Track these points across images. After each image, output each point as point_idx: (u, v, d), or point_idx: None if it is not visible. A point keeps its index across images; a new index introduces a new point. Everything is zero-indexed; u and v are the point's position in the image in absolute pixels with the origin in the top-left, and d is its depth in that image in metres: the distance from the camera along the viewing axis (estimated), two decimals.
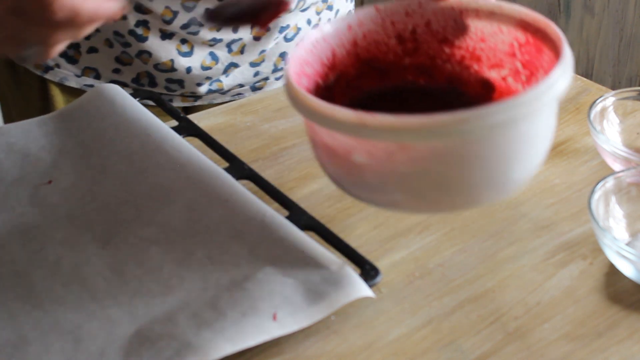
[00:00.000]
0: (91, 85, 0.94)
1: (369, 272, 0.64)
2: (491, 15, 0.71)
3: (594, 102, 0.80)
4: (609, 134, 0.81)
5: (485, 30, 0.72)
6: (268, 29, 0.84)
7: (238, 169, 0.76)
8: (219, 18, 0.63)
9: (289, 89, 0.62)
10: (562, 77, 0.59)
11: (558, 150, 0.83)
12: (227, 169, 0.75)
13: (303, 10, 0.93)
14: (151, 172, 0.74)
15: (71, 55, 0.92)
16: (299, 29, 0.96)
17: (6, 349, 0.58)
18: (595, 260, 0.69)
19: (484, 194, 0.61)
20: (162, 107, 0.87)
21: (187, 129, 0.82)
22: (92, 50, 0.92)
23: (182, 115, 0.84)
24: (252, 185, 0.74)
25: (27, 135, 0.80)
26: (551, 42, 0.66)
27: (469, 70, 0.74)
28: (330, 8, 1.00)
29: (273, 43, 0.94)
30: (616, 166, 0.77)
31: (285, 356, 0.61)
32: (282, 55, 0.96)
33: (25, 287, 0.64)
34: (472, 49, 0.74)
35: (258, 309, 0.60)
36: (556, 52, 0.64)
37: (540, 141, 0.62)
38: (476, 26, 0.72)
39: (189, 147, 0.76)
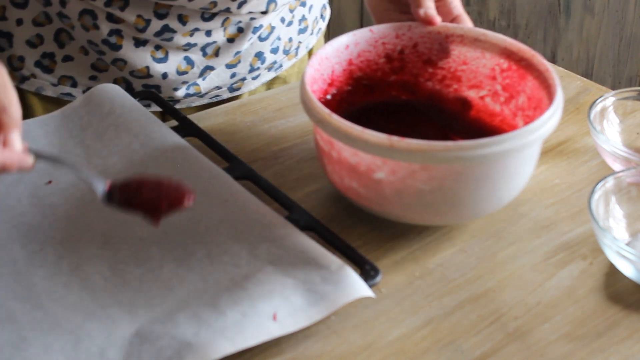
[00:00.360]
0: (68, 94, 0.93)
1: (369, 272, 0.64)
2: (475, 41, 0.78)
3: (594, 102, 0.80)
4: (609, 134, 0.81)
5: (469, 54, 0.79)
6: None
7: (238, 169, 0.76)
8: (115, 200, 0.64)
9: (313, 111, 0.68)
10: (558, 109, 0.68)
11: (558, 150, 0.83)
12: (227, 169, 0.75)
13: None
14: (151, 172, 0.74)
15: (46, 65, 0.91)
16: (272, 28, 0.95)
17: (6, 348, 0.58)
18: (595, 260, 0.69)
19: (486, 206, 0.70)
20: (163, 107, 0.87)
21: (187, 129, 0.82)
22: (68, 58, 0.91)
23: (182, 115, 0.84)
24: (252, 185, 0.74)
25: (27, 135, 0.80)
26: (536, 72, 0.73)
27: (448, 89, 0.81)
28: (303, 4, 0.99)
29: (248, 44, 0.93)
30: (616, 166, 0.77)
31: (285, 356, 0.61)
32: (258, 55, 0.96)
33: (26, 287, 0.64)
34: (454, 70, 0.80)
35: (258, 309, 0.60)
36: (541, 81, 0.72)
37: (534, 160, 0.71)
38: (460, 50, 0.79)
39: (189, 147, 0.76)
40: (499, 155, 0.64)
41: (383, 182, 0.66)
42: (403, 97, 0.81)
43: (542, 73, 0.72)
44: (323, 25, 1.05)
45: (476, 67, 0.78)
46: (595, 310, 0.64)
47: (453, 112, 0.80)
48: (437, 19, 0.77)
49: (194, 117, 0.88)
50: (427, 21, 0.77)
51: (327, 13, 1.06)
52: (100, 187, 0.64)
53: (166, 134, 0.78)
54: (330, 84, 0.77)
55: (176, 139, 0.77)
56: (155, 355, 0.57)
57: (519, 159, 0.67)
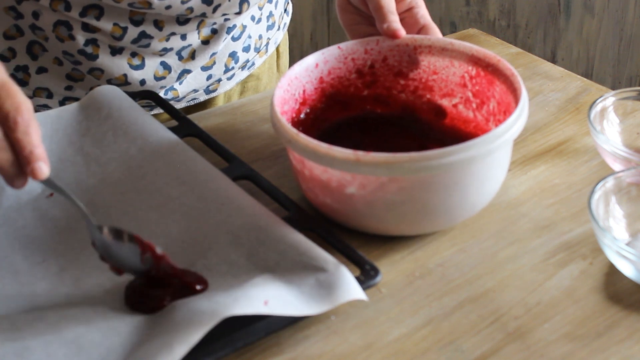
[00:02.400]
0: (44, 105, 0.92)
1: (369, 272, 0.64)
2: (443, 51, 0.79)
3: (594, 102, 0.80)
4: (609, 134, 0.81)
5: (438, 64, 0.80)
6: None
7: (238, 169, 0.76)
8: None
9: (282, 131, 0.69)
10: (524, 111, 0.69)
11: (558, 150, 0.83)
12: (226, 169, 0.75)
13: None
14: (149, 179, 0.74)
15: (20, 78, 0.90)
16: (244, 27, 0.96)
17: (9, 356, 0.58)
18: (595, 260, 0.69)
19: (460, 213, 0.70)
20: (163, 107, 0.87)
21: (187, 128, 0.82)
22: (42, 70, 0.91)
23: (182, 115, 0.84)
24: (252, 185, 0.74)
25: None
26: (503, 76, 0.74)
27: (422, 99, 0.82)
28: (270, 1, 1.00)
29: (222, 44, 0.94)
30: (616, 166, 0.77)
31: (285, 356, 0.61)
32: (232, 55, 0.97)
33: (28, 298, 0.64)
34: (425, 80, 0.81)
35: (251, 297, 0.60)
36: (508, 85, 0.74)
37: (505, 165, 0.72)
38: (429, 60, 0.80)
39: (186, 149, 0.76)
40: (465, 162, 0.64)
41: (355, 196, 0.67)
42: (378, 110, 0.83)
43: (509, 77, 0.73)
44: (287, 19, 1.07)
45: (446, 76, 0.80)
46: (595, 310, 0.64)
47: (428, 121, 0.81)
48: (402, 32, 0.79)
49: (194, 117, 0.88)
50: (392, 35, 0.79)
51: (290, 7, 1.08)
52: (93, 230, 0.64)
53: (164, 136, 0.77)
54: (302, 103, 0.78)
55: (174, 140, 0.77)
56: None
57: (487, 164, 0.68)
